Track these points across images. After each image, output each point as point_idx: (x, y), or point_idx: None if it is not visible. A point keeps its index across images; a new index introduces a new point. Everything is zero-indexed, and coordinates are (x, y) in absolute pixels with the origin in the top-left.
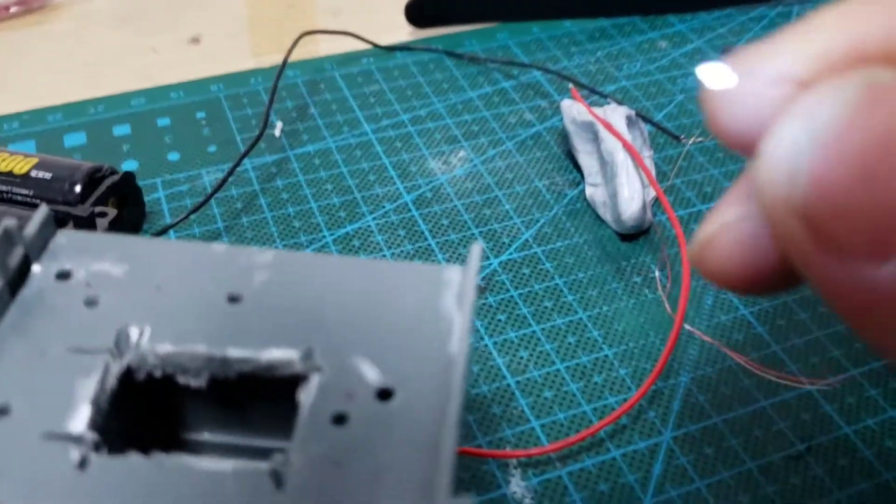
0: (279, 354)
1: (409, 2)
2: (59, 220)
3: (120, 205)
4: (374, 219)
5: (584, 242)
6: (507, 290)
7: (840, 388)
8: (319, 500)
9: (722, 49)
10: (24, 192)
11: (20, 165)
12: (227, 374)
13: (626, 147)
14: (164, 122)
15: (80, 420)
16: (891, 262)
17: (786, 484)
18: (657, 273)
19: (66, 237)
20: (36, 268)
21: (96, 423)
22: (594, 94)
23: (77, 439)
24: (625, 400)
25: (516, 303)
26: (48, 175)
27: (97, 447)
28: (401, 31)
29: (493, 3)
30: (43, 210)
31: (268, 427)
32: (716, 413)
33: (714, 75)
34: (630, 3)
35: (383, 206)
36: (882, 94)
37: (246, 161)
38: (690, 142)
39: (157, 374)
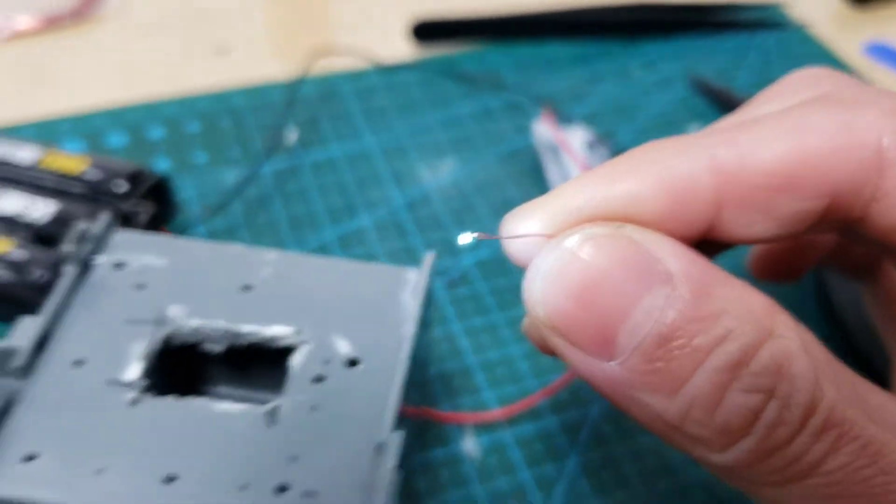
0: (278, 330)
1: (416, 24)
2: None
3: (156, 201)
4: (371, 219)
5: None
6: (478, 284)
7: None
8: (300, 433)
9: (689, 79)
10: (79, 189)
11: (75, 165)
12: (239, 343)
13: (581, 168)
14: (193, 127)
15: (132, 372)
16: (612, 359)
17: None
18: None
19: (120, 236)
20: (100, 259)
21: (144, 375)
22: (564, 116)
23: (130, 385)
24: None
25: (484, 294)
26: (100, 175)
27: (144, 391)
28: (403, 47)
29: (486, 24)
30: (106, 216)
31: (265, 384)
32: None
33: (463, 238)
34: (606, 29)
35: (378, 209)
36: (590, 245)
37: (264, 165)
38: None
39: (189, 342)
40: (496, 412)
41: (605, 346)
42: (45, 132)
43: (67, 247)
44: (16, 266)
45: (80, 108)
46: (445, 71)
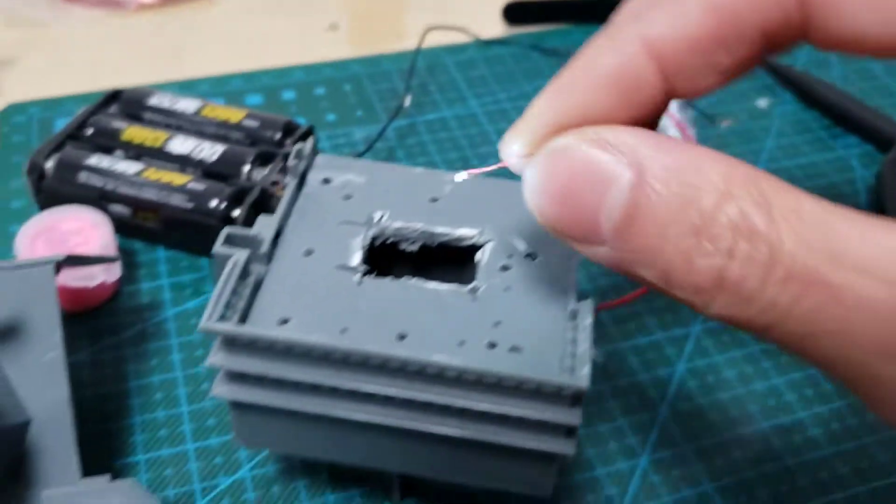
0: (465, 232)
1: (507, 3)
2: (267, 157)
3: None
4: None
5: None
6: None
7: None
8: (499, 305)
9: None
10: (239, 135)
11: (234, 116)
12: (431, 243)
13: (677, 125)
14: (320, 90)
15: (355, 260)
16: (603, 244)
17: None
18: None
19: (322, 159)
20: (310, 175)
21: (364, 261)
22: None
23: (356, 269)
24: None
25: None
26: (256, 124)
27: (366, 273)
28: (495, 27)
29: (571, 7)
30: (311, 139)
31: (446, 278)
32: None
33: (458, 176)
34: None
35: (489, 162)
36: (557, 156)
37: (388, 123)
38: (724, 124)
39: (391, 240)
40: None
41: (593, 234)
42: (187, 91)
43: (291, 162)
44: (194, 195)
45: (216, 73)
46: (535, 46)
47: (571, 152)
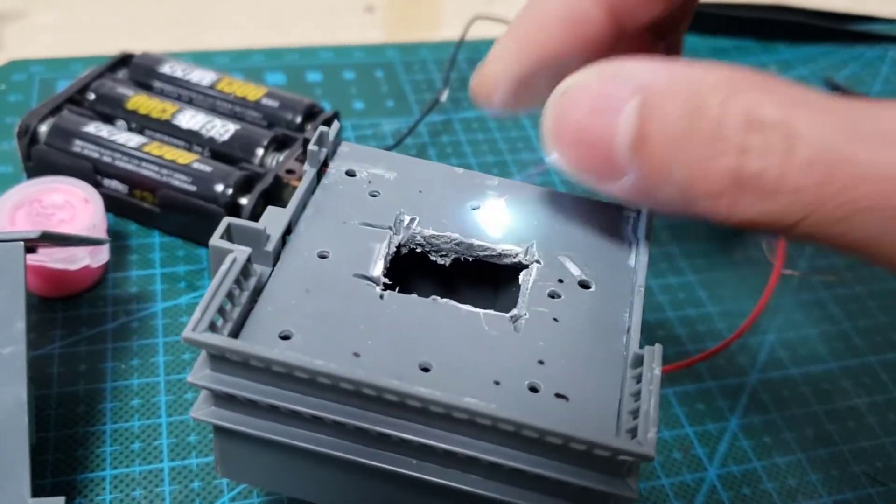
0: (509, 247)
1: None
2: (284, 142)
3: None
4: (521, 179)
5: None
6: None
7: None
8: (545, 340)
9: (824, 80)
10: (255, 115)
11: (253, 93)
12: (468, 257)
13: None
14: (349, 75)
15: (377, 269)
16: (622, 180)
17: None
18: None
19: (347, 147)
20: (331, 165)
21: (385, 273)
22: None
23: (378, 280)
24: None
25: None
26: (276, 104)
27: (388, 287)
28: None
29: None
30: (336, 125)
31: (476, 300)
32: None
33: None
34: (745, 26)
35: (528, 169)
36: (564, 99)
37: (421, 118)
38: None
39: (419, 250)
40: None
41: (613, 167)
42: (203, 63)
43: (311, 147)
44: (198, 177)
45: (236, 47)
46: None
47: (577, 92)
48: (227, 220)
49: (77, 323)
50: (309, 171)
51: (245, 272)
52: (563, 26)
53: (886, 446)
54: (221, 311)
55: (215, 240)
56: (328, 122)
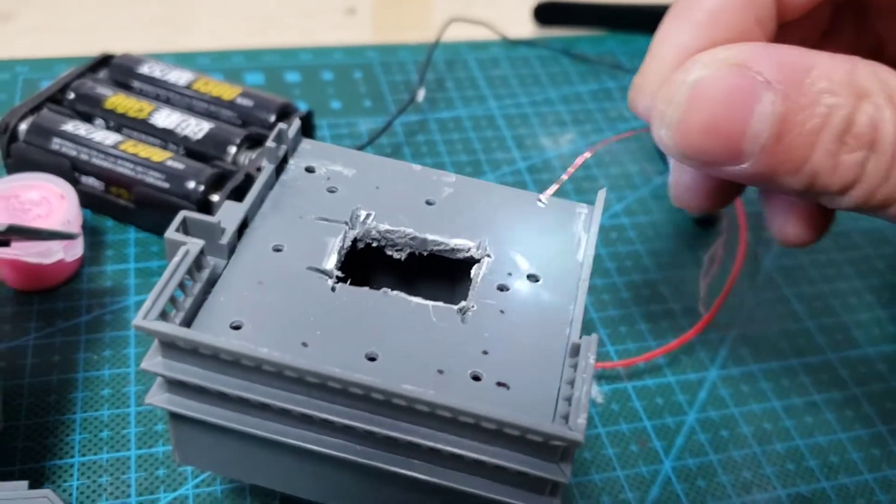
0: (462, 242)
1: (538, 3)
2: (257, 141)
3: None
4: (494, 177)
5: (663, 220)
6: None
7: None
8: (490, 331)
9: None
10: (230, 114)
11: (228, 93)
12: (422, 251)
13: None
14: (327, 76)
15: (330, 263)
16: (743, 163)
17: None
18: (704, 257)
19: (308, 144)
20: (291, 162)
21: (339, 266)
22: None
23: (330, 273)
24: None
25: (603, 258)
26: (250, 103)
27: (341, 280)
28: (524, 26)
29: (605, 12)
30: (297, 123)
31: (430, 294)
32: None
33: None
34: None
35: (501, 169)
36: (696, 91)
37: (397, 117)
38: None
39: (375, 244)
40: (617, 362)
41: (735, 156)
42: (184, 64)
43: (269, 143)
44: (171, 174)
45: (217, 48)
46: (565, 51)
47: (709, 84)
48: (182, 214)
49: (52, 315)
50: (267, 166)
51: (198, 264)
52: (745, 7)
53: (843, 442)
54: (174, 300)
55: (170, 232)
56: (304, 121)
